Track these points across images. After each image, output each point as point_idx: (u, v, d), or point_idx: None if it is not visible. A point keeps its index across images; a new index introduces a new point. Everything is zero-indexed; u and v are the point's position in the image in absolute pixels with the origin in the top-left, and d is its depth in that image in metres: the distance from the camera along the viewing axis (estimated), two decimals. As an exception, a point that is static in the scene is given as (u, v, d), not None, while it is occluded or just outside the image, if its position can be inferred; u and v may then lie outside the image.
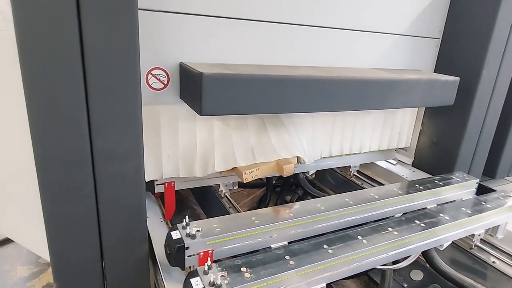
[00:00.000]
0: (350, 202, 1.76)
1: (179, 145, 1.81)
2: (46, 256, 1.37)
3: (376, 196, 1.85)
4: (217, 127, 1.86)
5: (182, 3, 1.54)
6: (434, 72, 2.44)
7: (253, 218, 1.55)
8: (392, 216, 1.87)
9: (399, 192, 1.94)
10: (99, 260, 1.42)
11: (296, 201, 2.79)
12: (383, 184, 2.60)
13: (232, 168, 1.91)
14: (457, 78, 2.13)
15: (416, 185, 2.04)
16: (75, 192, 1.27)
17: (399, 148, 2.76)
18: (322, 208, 1.68)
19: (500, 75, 2.29)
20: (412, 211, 1.89)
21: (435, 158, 2.54)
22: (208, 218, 2.27)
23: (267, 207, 2.88)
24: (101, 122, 1.23)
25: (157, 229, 1.74)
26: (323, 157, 2.36)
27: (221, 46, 1.69)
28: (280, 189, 3.12)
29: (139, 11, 1.24)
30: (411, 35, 2.26)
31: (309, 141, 2.21)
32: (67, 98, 1.16)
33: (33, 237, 1.43)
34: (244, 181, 1.77)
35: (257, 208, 3.04)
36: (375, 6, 2.06)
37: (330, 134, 2.32)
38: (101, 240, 1.39)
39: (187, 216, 1.46)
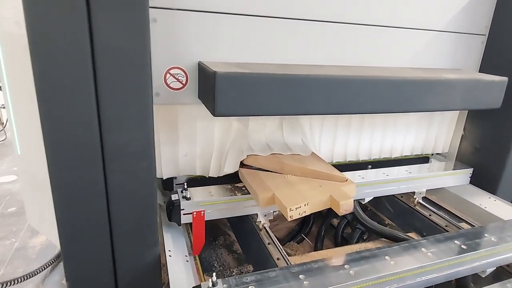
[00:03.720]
0: (429, 254, 1.39)
1: (197, 145, 1.84)
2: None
3: (463, 246, 1.45)
4: (235, 127, 1.86)
5: (200, 0, 1.51)
6: (479, 72, 2.22)
7: (301, 276, 1.22)
8: (483, 272, 1.49)
9: (493, 239, 1.51)
10: (110, 260, 1.43)
11: (344, 227, 2.44)
12: (454, 214, 2.20)
13: (274, 200, 1.66)
14: (505, 79, 1.90)
15: (515, 229, 1.60)
16: (86, 190, 1.29)
17: (436, 154, 2.56)
18: (392, 263, 1.32)
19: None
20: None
21: (478, 167, 2.31)
22: (242, 251, 2.04)
23: (310, 230, 2.59)
24: (111, 119, 1.25)
25: (179, 273, 1.48)
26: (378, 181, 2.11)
27: (243, 45, 1.65)
28: (326, 210, 2.67)
29: (155, 9, 1.30)
30: (453, 32, 2.07)
31: (331, 143, 2.15)
32: (77, 95, 1.18)
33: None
34: (289, 219, 1.51)
35: (299, 231, 2.66)
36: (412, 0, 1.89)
37: (358, 137, 2.21)
38: (112, 239, 1.40)
39: (214, 274, 1.19)
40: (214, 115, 1.38)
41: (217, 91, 1.33)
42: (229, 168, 1.89)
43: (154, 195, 1.41)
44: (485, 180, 2.26)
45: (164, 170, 1.82)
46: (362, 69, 1.79)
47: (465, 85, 1.80)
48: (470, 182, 2.35)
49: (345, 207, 1.52)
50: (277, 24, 1.67)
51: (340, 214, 1.57)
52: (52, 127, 1.19)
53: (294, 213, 1.51)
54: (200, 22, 1.54)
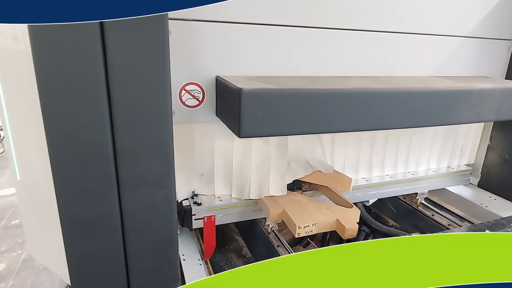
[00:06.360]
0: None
1: (214, 165, 1.74)
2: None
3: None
4: (256, 145, 1.76)
5: (217, 11, 1.40)
6: (506, 79, 2.15)
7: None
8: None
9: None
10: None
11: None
12: (456, 214, 2.22)
13: (283, 215, 1.71)
14: None
15: (513, 225, 1.65)
16: (99, 225, 1.15)
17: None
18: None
19: None
20: None
21: (508, 178, 2.21)
22: (252, 254, 2.07)
23: (315, 234, 2.48)
24: (127, 146, 1.10)
25: (194, 275, 1.53)
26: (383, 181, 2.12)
27: (261, 57, 1.54)
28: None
29: (170, 21, 1.12)
30: (477, 37, 1.97)
31: (355, 158, 2.08)
32: (88, 118, 1.04)
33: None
34: (296, 236, 1.58)
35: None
36: (435, 5, 1.79)
37: (383, 152, 2.13)
38: (128, 277, 1.26)
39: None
40: (240, 137, 1.25)
41: (243, 110, 1.20)
42: (254, 194, 1.83)
43: (174, 227, 1.27)
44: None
45: (178, 191, 1.71)
46: (391, 79, 1.68)
47: (502, 94, 1.69)
48: (498, 195, 2.26)
49: (349, 232, 1.59)
50: (298, 33, 1.56)
51: (344, 238, 1.63)
52: (61, 156, 1.05)
53: (302, 231, 1.59)
54: (217, 34, 1.44)
